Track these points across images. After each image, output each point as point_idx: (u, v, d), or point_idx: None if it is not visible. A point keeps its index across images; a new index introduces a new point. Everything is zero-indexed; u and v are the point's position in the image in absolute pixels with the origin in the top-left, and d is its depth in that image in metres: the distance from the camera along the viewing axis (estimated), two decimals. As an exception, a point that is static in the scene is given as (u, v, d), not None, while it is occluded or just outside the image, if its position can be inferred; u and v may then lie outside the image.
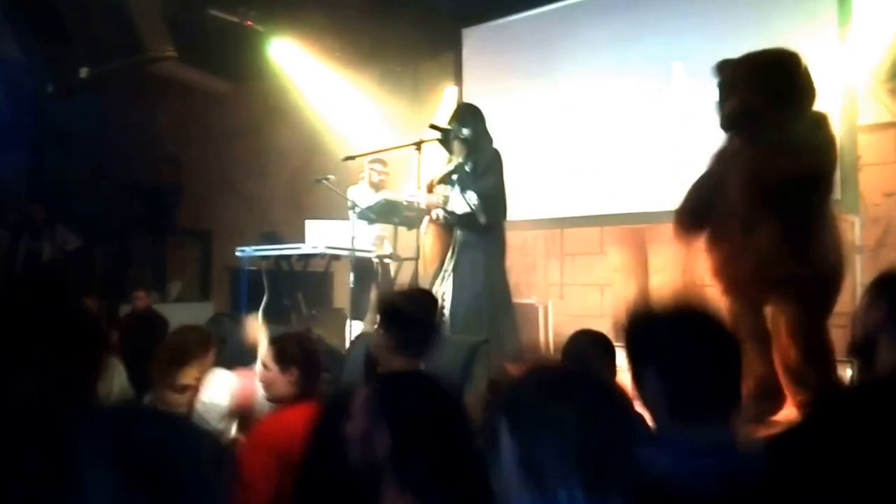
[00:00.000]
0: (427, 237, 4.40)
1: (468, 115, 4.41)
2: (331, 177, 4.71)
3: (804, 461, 0.84)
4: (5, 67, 6.01)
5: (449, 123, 4.38)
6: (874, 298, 1.58)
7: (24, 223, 6.89)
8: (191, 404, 2.56)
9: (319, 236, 4.79)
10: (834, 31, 4.51)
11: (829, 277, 2.95)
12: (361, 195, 4.94)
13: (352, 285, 4.65)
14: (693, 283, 3.26)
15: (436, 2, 5.75)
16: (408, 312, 1.96)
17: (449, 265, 4.31)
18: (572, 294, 5.85)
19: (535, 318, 5.52)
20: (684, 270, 3.41)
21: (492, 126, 4.48)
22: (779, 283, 2.93)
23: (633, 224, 5.35)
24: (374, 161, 5.15)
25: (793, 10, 4.65)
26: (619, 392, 1.14)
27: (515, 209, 4.91)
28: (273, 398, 2.37)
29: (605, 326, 2.62)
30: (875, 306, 1.56)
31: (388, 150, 4.72)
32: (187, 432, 0.86)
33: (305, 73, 6.49)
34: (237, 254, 5.05)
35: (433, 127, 4.33)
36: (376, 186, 5.12)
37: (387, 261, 5.01)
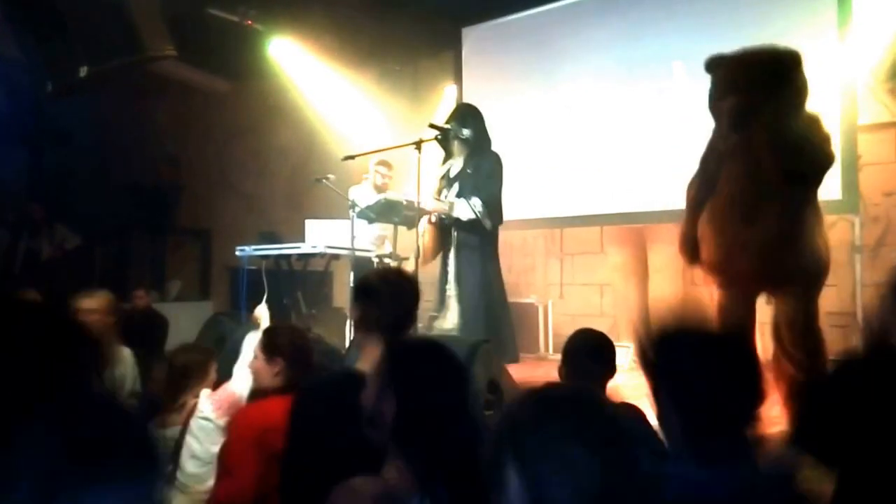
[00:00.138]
0: (424, 237, 4.41)
1: (468, 115, 4.41)
2: (331, 176, 4.70)
3: None
4: (5, 67, 6.00)
5: (448, 123, 4.38)
6: (893, 300, 1.58)
7: (23, 222, 6.90)
8: (186, 421, 2.57)
9: (319, 236, 4.78)
10: (834, 31, 4.51)
11: (824, 268, 3.03)
12: (364, 195, 4.94)
13: (352, 285, 4.65)
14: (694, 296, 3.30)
15: (435, 1, 5.75)
16: (379, 290, 1.95)
17: (451, 266, 4.32)
18: (572, 294, 5.86)
19: (534, 318, 5.53)
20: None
21: (492, 125, 4.48)
22: (780, 276, 2.96)
23: (633, 224, 5.35)
24: (380, 163, 5.15)
25: (793, 10, 4.65)
26: (628, 412, 1.13)
27: (515, 209, 4.92)
28: (259, 388, 2.37)
29: (604, 326, 2.64)
30: (894, 308, 1.56)
31: (387, 149, 4.71)
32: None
33: (305, 72, 6.49)
34: (237, 253, 5.04)
35: (433, 126, 4.33)
36: (379, 189, 5.11)
37: (387, 260, 5.01)
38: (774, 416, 1.74)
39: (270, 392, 2.30)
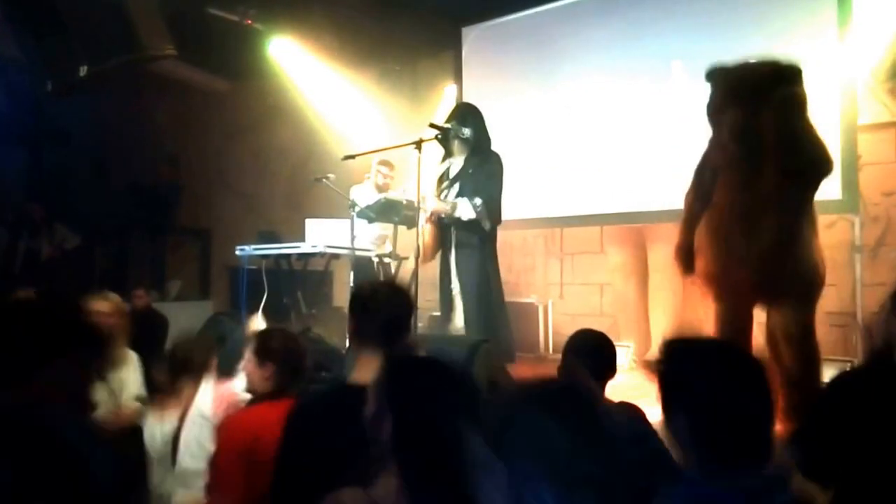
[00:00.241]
0: (424, 236, 4.41)
1: (469, 115, 4.41)
2: (330, 175, 4.70)
3: None
4: (5, 66, 6.00)
5: (448, 122, 4.38)
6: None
7: (22, 222, 6.89)
8: (184, 413, 2.56)
9: (319, 235, 4.78)
10: (834, 31, 4.50)
11: (820, 279, 3.03)
12: (365, 195, 4.94)
13: (352, 284, 4.65)
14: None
15: (435, 1, 5.75)
16: (372, 304, 1.96)
17: (452, 266, 4.32)
18: (572, 293, 5.86)
19: (534, 318, 5.53)
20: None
21: (491, 125, 4.47)
22: (777, 287, 2.96)
23: (632, 224, 5.35)
24: (382, 163, 5.15)
25: (793, 10, 4.64)
26: (628, 412, 1.14)
27: (515, 209, 4.91)
28: (251, 391, 2.35)
29: (604, 326, 2.64)
30: None
31: (387, 148, 4.71)
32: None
33: (305, 71, 6.49)
34: (237, 253, 5.04)
35: (433, 126, 4.32)
36: (381, 188, 5.11)
37: (387, 260, 5.01)
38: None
39: (261, 396, 2.29)
